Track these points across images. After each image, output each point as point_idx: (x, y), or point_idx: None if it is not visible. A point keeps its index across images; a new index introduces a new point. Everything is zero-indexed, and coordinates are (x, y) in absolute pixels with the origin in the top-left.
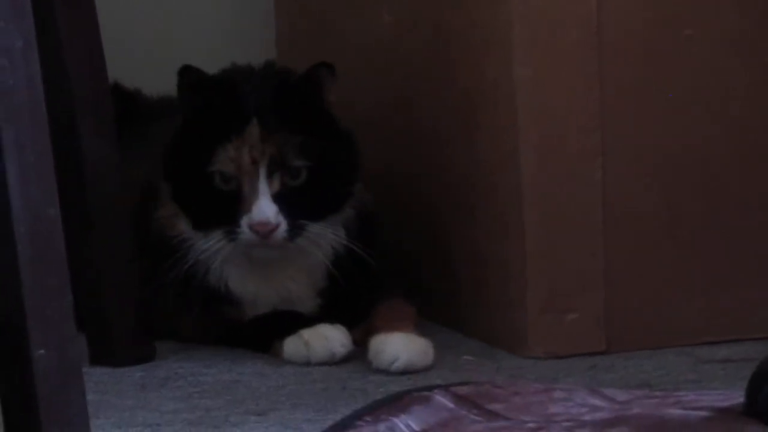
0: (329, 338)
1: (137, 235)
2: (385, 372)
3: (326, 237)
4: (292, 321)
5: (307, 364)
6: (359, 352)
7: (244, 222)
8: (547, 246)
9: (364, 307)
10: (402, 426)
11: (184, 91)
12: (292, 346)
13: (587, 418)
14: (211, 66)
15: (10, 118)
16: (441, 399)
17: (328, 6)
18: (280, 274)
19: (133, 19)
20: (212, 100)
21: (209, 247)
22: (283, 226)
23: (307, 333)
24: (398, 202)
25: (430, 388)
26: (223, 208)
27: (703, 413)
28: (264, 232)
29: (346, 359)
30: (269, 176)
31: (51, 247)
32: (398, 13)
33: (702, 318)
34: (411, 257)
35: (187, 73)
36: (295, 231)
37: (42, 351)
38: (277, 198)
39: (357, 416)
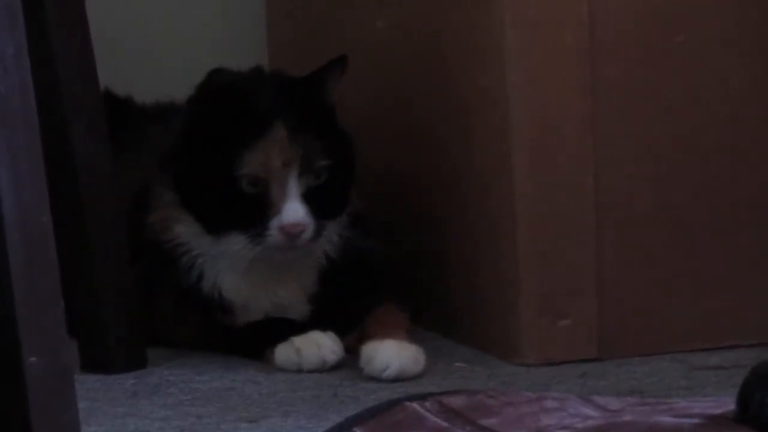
0: (321, 345)
1: (130, 242)
2: (377, 379)
3: (331, 236)
4: (284, 328)
5: (299, 371)
6: (351, 359)
7: (274, 224)
8: (540, 252)
9: (356, 314)
10: None
11: (209, 93)
12: (283, 353)
13: (579, 426)
14: (202, 72)
15: (2, 125)
16: (434, 418)
17: (320, 11)
18: (272, 280)
19: (124, 25)
20: (235, 104)
21: (230, 252)
22: (311, 227)
23: (298, 340)
24: (390, 207)
25: (423, 397)
26: (248, 212)
27: (695, 420)
28: (294, 233)
29: (337, 366)
30: (298, 178)
31: (43, 254)
32: (391, 19)
33: (694, 324)
34: (403, 263)
35: (218, 75)
36: (318, 232)
37: (34, 358)
38: (303, 199)
39: (347, 427)
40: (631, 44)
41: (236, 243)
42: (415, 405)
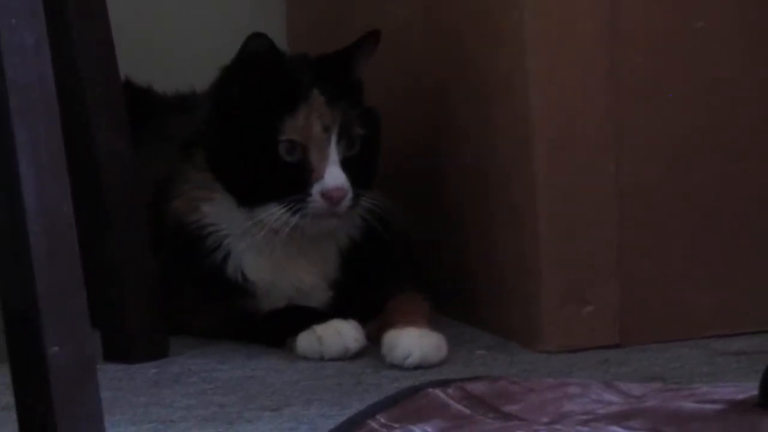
0: (342, 333)
1: (153, 232)
2: (399, 367)
3: (353, 218)
4: (306, 316)
5: (321, 359)
6: (372, 346)
7: (316, 190)
8: (562, 239)
9: (378, 301)
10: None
11: (247, 59)
12: (305, 341)
13: (602, 412)
14: (221, 62)
15: (23, 116)
16: (456, 405)
17: (339, 0)
18: (294, 264)
19: (143, 15)
20: (273, 71)
21: (269, 222)
22: (350, 193)
23: (320, 328)
24: (412, 194)
25: (445, 383)
26: (287, 180)
27: (718, 406)
28: (338, 197)
29: (359, 354)
30: (338, 144)
31: (65, 245)
32: (410, 7)
33: (716, 310)
34: (424, 251)
35: (257, 40)
36: (355, 200)
37: (56, 348)
38: (342, 165)
39: (370, 414)
40: (652, 31)
41: (272, 213)
42: (437, 392)
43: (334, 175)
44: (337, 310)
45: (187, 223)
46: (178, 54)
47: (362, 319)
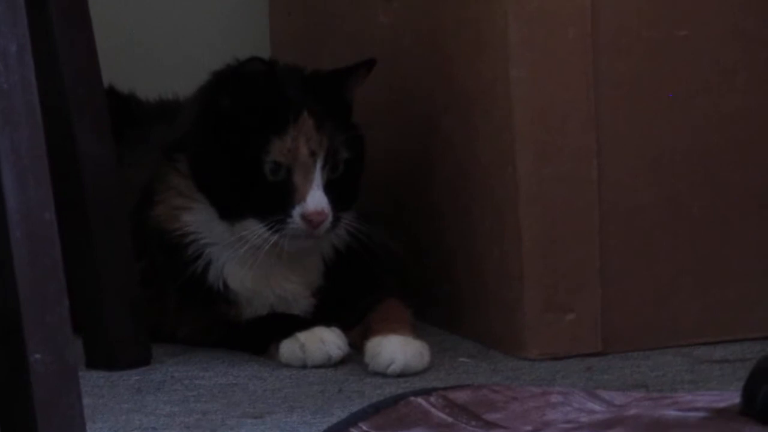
0: (325, 341)
1: (135, 238)
2: (382, 374)
3: (338, 229)
4: (289, 323)
5: (304, 366)
6: (355, 354)
7: (297, 212)
8: (544, 246)
9: (360, 309)
10: None
11: (241, 77)
12: (288, 348)
13: (584, 420)
14: (205, 68)
15: (6, 122)
16: (439, 413)
17: (323, 6)
18: (277, 272)
19: (127, 22)
20: (264, 91)
21: (247, 239)
22: (330, 216)
23: (303, 336)
24: (394, 202)
25: (428, 392)
26: (269, 199)
27: (700, 414)
28: (318, 221)
29: (342, 362)
30: (322, 168)
31: (47, 251)
32: (394, 13)
33: (699, 318)
34: (407, 258)
35: (255, 62)
36: (335, 222)
37: (38, 355)
38: (325, 189)
39: (352, 422)
40: (635, 38)
41: (252, 231)
42: (420, 400)
43: (316, 199)
44: (319, 317)
45: (169, 230)
46: (161, 61)
47: (345, 327)
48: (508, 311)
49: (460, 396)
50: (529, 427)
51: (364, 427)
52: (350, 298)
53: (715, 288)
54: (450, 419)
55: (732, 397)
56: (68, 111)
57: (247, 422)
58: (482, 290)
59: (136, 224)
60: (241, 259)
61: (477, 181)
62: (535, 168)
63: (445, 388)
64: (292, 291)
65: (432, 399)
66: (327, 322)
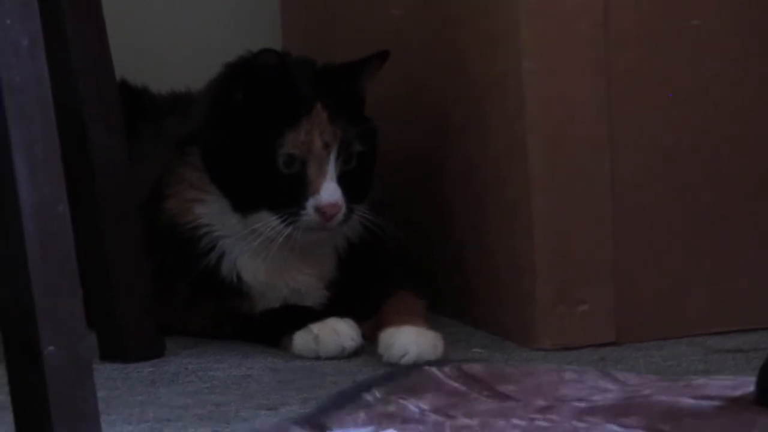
0: (339, 332)
1: (147, 232)
2: (396, 366)
3: (352, 221)
4: (302, 315)
5: (317, 358)
6: (369, 345)
7: (310, 204)
8: (557, 237)
9: (374, 300)
10: (412, 407)
11: (254, 70)
12: (301, 340)
13: (598, 398)
14: (217, 61)
15: (19, 116)
16: (452, 382)
17: (335, 0)
18: (290, 265)
19: (138, 15)
20: (277, 84)
21: (261, 231)
22: (344, 208)
23: (316, 327)
24: (407, 194)
25: (443, 364)
26: (283, 191)
27: (715, 402)
28: (331, 213)
29: (355, 353)
30: (336, 160)
31: (60, 244)
32: (406, 6)
33: (712, 308)
34: (420, 250)
35: (267, 54)
36: (348, 214)
37: (52, 348)
38: (338, 181)
39: (365, 387)
40: (646, 30)
41: (266, 223)
42: (433, 369)
43: (330, 191)
44: (333, 309)
45: (181, 223)
46: (173, 54)
47: (358, 318)
48: (521, 302)
49: (475, 367)
50: (542, 402)
51: (377, 393)
52: (364, 290)
53: (727, 278)
54: (463, 388)
55: (746, 385)
56: (80, 105)
57: (261, 413)
58: (495, 282)
59: (149, 218)
60: (255, 252)
61: (489, 173)
62: (547, 160)
63: (460, 361)
64: (306, 283)
65: (446, 369)
66: (340, 314)
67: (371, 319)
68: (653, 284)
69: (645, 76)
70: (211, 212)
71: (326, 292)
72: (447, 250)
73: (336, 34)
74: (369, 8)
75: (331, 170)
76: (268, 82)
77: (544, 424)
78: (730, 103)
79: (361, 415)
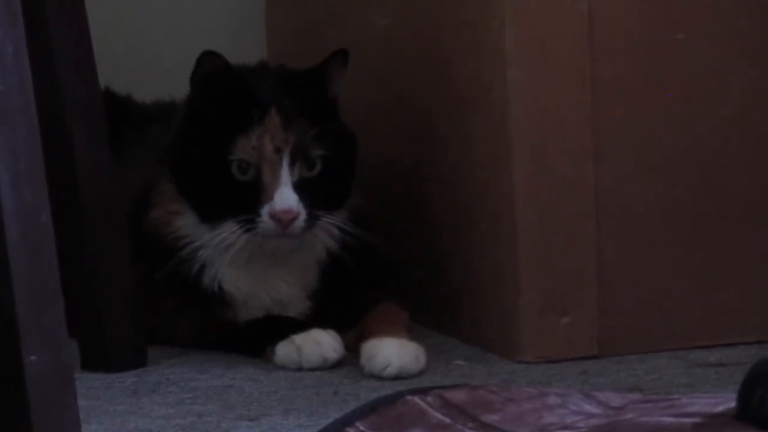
0: (321, 343)
1: (133, 239)
2: (378, 377)
3: (331, 230)
4: (284, 326)
5: (300, 369)
6: (351, 356)
7: (265, 211)
8: (540, 249)
9: (356, 311)
10: None
11: (201, 78)
12: (284, 351)
13: (581, 425)
14: None
15: (2, 123)
16: (436, 413)
17: (320, 8)
18: (272, 275)
19: (123, 23)
20: (229, 89)
21: (222, 239)
22: (302, 215)
23: (299, 338)
24: (391, 204)
25: (425, 391)
26: (240, 199)
27: (696, 419)
28: (286, 220)
29: (338, 364)
30: (291, 165)
31: (43, 253)
32: (391, 16)
33: (695, 322)
34: (403, 261)
35: (208, 59)
36: (310, 221)
37: (34, 357)
38: (296, 187)
39: (348, 421)
40: (632, 41)
41: (227, 230)
42: (416, 399)
43: (283, 198)
44: (315, 320)
45: (165, 233)
46: (158, 63)
47: (341, 329)
48: (504, 314)
49: (457, 396)
50: (526, 431)
51: (361, 427)
52: (346, 300)
53: (711, 292)
54: (447, 420)
55: (728, 401)
56: (64, 112)
57: (242, 424)
58: (478, 293)
59: (134, 226)
60: (234, 262)
61: (473, 183)
62: (532, 171)
63: (441, 388)
64: (288, 293)
65: (429, 399)
66: (323, 325)
67: (354, 330)
68: (636, 297)
69: (630, 87)
70: (188, 224)
71: (308, 302)
72: (431, 261)
73: (321, 43)
74: (354, 18)
75: (285, 176)
76: (218, 88)
77: None
78: (715, 115)
79: None
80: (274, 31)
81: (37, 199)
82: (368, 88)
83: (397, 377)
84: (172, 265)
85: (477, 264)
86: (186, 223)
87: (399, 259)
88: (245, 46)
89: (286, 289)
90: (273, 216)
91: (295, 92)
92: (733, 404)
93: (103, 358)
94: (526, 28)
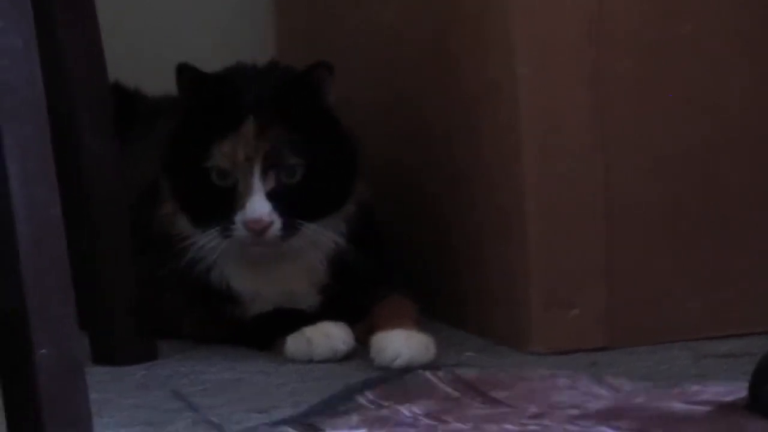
0: (331, 336)
1: (139, 234)
2: (387, 369)
3: (324, 237)
4: (294, 319)
5: (310, 361)
6: (361, 349)
7: (239, 218)
8: (549, 242)
9: (366, 304)
10: (405, 411)
11: (182, 88)
12: (294, 343)
13: (591, 404)
14: (212, 64)
15: (12, 118)
16: (445, 387)
17: (329, 4)
18: (281, 271)
19: (133, 18)
20: (209, 97)
21: (206, 244)
22: (277, 224)
23: (309, 330)
24: (400, 199)
25: (437, 367)
26: (219, 205)
27: (707, 407)
28: (257, 229)
29: (348, 356)
30: (264, 173)
31: (53, 247)
32: (399, 12)
33: (704, 313)
34: (413, 254)
35: (184, 71)
36: (289, 230)
37: (44, 350)
38: (272, 195)
39: (359, 389)
40: (639, 36)
41: (207, 235)
42: (427, 374)
43: (255, 206)
44: (325, 313)
45: (170, 235)
46: (167, 58)
47: (351, 322)
48: (514, 307)
49: (468, 372)
50: (535, 409)
51: (371, 396)
52: (356, 294)
53: (720, 283)
54: (456, 393)
55: (739, 391)
56: (73, 107)
57: (252, 417)
58: (487, 286)
59: (142, 220)
60: (243, 260)
61: (482, 178)
62: (540, 165)
63: (453, 365)
64: (298, 289)
65: (440, 374)
66: (333, 318)
67: (363, 323)
68: (645, 289)
69: (638, 82)
70: (187, 225)
71: (319, 296)
72: (440, 258)
73: (329, 38)
74: (362, 13)
75: (258, 184)
76: (197, 99)
77: (536, 429)
78: (722, 110)
79: (354, 417)
80: (284, 26)
81: (48, 193)
82: (376, 83)
83: (407, 368)
84: (179, 263)
85: (487, 260)
86: (185, 224)
87: (409, 254)
88: (255, 41)
89: (295, 285)
90: (245, 224)
91: (276, 99)
92: (743, 394)
93: (113, 351)
94: (534, 24)
